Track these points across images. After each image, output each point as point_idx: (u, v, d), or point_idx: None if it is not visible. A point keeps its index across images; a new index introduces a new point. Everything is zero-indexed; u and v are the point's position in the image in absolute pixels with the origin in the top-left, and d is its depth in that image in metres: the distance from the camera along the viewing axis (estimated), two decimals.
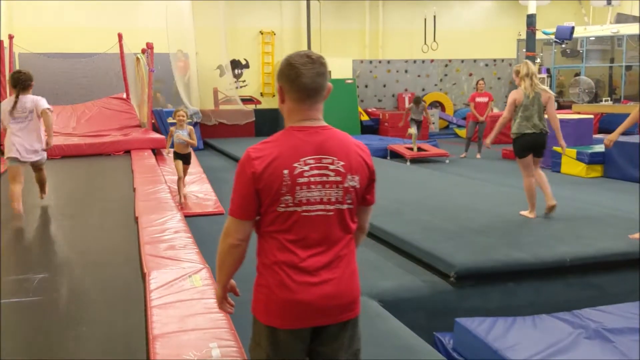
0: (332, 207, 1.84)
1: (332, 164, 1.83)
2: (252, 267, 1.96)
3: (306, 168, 1.81)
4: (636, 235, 4.73)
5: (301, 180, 1.80)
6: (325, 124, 1.91)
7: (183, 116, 6.73)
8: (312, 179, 1.81)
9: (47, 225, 5.39)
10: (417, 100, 11.53)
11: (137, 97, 12.62)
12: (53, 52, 13.67)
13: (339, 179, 1.84)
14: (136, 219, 5.20)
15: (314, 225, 1.84)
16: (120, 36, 12.60)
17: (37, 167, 5.68)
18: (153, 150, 10.27)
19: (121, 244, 4.58)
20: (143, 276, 3.63)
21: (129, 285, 3.59)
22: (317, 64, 1.86)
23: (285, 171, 1.80)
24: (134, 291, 3.45)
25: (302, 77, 1.83)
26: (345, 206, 1.87)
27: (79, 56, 13.81)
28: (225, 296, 2.03)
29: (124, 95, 12.91)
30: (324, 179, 1.82)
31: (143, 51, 11.31)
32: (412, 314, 3.86)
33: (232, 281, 2.04)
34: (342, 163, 1.84)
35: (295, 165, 1.80)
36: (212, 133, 14.58)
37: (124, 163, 9.01)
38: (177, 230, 4.70)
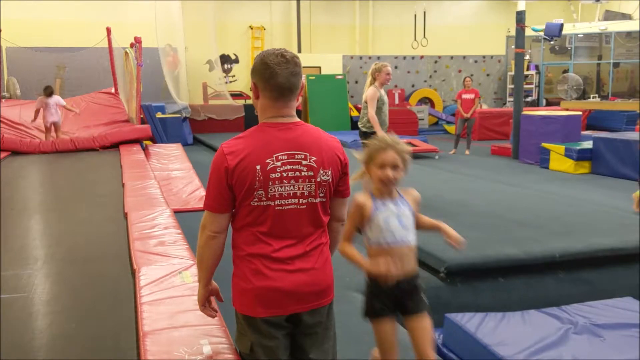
0: (304, 201, 1.90)
1: (304, 159, 1.88)
2: None
3: (278, 164, 1.85)
4: None
5: (274, 175, 1.84)
6: (297, 119, 1.94)
7: None
8: (284, 174, 1.86)
9: (35, 220, 5.34)
10: None
11: (125, 91, 12.53)
12: (40, 46, 13.54)
13: (311, 173, 1.89)
14: (125, 214, 5.16)
15: (287, 218, 1.89)
16: (108, 30, 12.50)
17: (56, 126, 10.32)
18: (141, 144, 10.20)
19: (110, 240, 4.54)
20: (133, 272, 3.61)
21: (118, 282, 3.56)
22: (291, 63, 1.88)
23: (258, 167, 1.84)
24: (123, 288, 3.42)
25: (276, 77, 1.86)
26: (317, 199, 1.92)
27: (66, 50, 13.69)
28: (207, 297, 2.08)
29: (113, 90, 12.81)
30: (297, 174, 1.87)
31: (131, 45, 11.22)
32: None
33: (215, 284, 2.08)
34: (314, 158, 1.89)
35: (268, 161, 1.84)
36: (201, 128, 14.51)
37: (112, 158, 8.94)
38: (166, 226, 4.67)
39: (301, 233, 1.91)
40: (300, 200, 1.89)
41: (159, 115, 12.87)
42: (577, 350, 3.08)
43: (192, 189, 7.33)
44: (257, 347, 1.92)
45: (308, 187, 1.89)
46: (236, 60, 16.35)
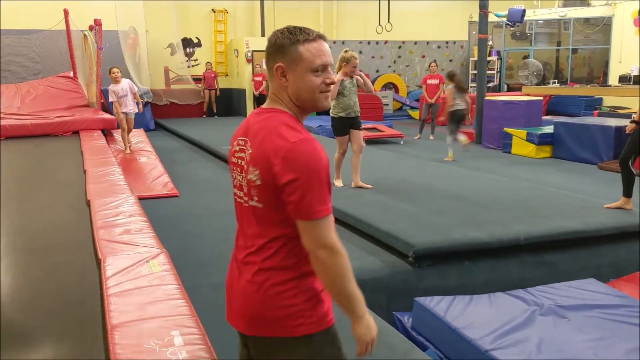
0: (246, 198, 1.63)
1: (248, 148, 1.63)
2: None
3: (237, 148, 1.69)
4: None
5: (232, 159, 1.71)
6: (277, 107, 1.68)
7: None
8: (234, 161, 1.69)
9: None
10: (451, 76, 8.94)
11: (85, 75, 12.20)
12: None
13: (244, 166, 1.63)
14: (88, 202, 5.03)
15: (239, 212, 1.70)
16: (66, 12, 12.10)
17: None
18: (103, 131, 9.97)
19: (73, 229, 4.42)
20: (98, 262, 3.51)
21: (83, 273, 3.46)
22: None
23: (229, 147, 1.75)
24: (88, 278, 3.33)
25: None
26: (253, 202, 1.60)
27: (23, 32, 13.20)
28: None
29: (71, 74, 12.46)
30: (242, 162, 1.64)
31: (91, 28, 10.91)
32: (372, 294, 3.87)
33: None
34: (250, 151, 1.60)
35: (234, 143, 1.71)
36: (163, 113, 14.26)
37: (72, 144, 8.71)
38: (131, 213, 4.57)
39: (251, 236, 1.63)
40: (244, 197, 1.64)
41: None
42: (543, 331, 3.14)
43: (156, 175, 7.21)
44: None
45: (245, 182, 1.63)
46: (198, 44, 16.08)
